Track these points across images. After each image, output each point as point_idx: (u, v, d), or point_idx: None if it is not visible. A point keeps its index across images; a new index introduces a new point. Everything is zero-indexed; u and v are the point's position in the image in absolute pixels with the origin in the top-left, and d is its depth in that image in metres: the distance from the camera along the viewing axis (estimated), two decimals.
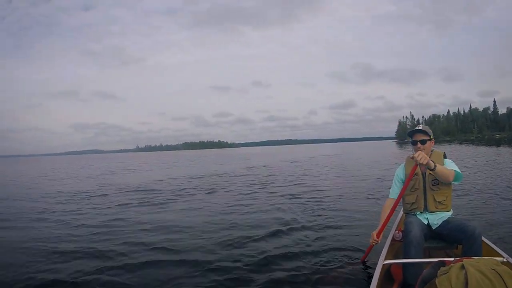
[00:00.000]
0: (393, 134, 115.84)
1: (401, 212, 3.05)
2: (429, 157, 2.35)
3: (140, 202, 6.80)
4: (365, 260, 2.87)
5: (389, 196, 2.64)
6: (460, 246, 2.30)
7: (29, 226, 4.91)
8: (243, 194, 7.49)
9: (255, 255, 3.26)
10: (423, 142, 2.46)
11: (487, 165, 11.72)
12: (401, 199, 2.50)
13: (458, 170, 2.40)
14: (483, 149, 24.83)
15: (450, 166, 2.42)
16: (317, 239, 3.73)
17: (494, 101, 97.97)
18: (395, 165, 6.48)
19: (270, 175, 11.98)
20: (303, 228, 4.22)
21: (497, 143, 36.50)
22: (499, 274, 1.21)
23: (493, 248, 2.24)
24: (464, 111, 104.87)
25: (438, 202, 2.43)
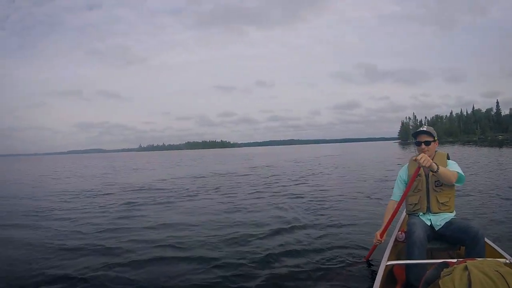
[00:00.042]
0: (395, 135, 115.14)
1: (404, 213, 3.04)
2: (433, 158, 2.38)
3: (145, 201, 6.87)
4: (369, 259, 2.90)
5: (392, 198, 2.66)
6: (463, 248, 2.31)
7: (36, 224, 4.98)
8: (247, 193, 7.53)
9: (259, 252, 3.32)
10: (427, 143, 2.47)
11: (489, 166, 11.67)
12: (404, 200, 2.51)
13: (461, 172, 2.41)
14: (485, 150, 24.66)
15: (453, 167, 2.43)
16: (320, 237, 3.77)
17: (497, 102, 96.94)
18: (397, 165, 6.49)
19: (273, 175, 12.00)
20: (306, 226, 4.27)
21: (500, 144, 36.19)
22: (503, 276, 1.23)
23: (496, 250, 2.24)
24: (467, 112, 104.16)
25: (441, 203, 2.44)
